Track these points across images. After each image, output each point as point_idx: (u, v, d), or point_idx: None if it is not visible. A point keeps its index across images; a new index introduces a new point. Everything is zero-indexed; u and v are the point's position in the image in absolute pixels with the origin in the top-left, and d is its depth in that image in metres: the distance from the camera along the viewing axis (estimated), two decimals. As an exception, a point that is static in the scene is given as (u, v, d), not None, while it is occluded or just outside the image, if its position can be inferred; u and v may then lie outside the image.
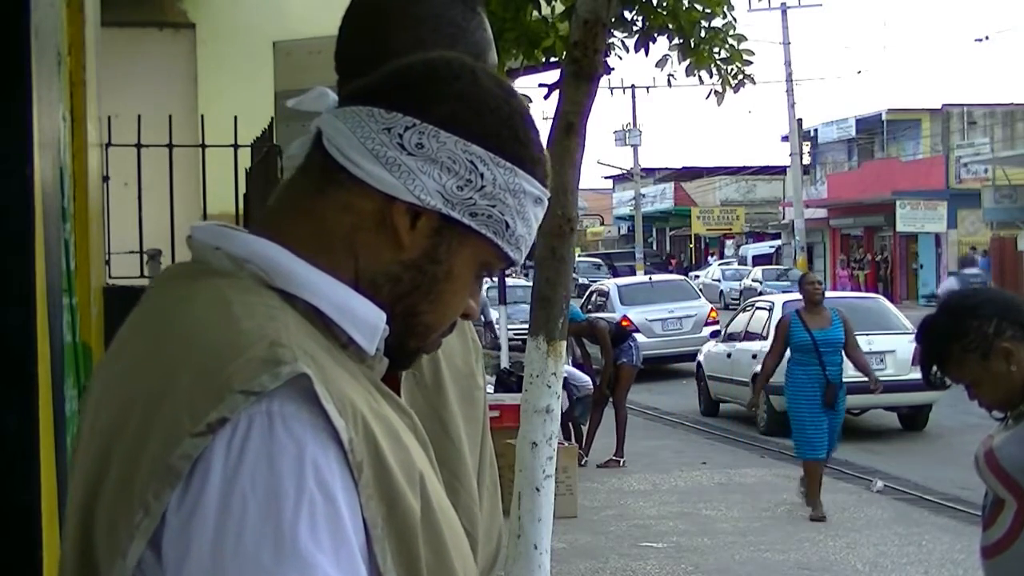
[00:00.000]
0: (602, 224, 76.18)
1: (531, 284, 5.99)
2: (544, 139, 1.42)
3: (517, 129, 1.34)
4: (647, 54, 7.39)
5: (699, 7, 7.43)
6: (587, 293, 25.81)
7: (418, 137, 1.29)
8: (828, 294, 23.42)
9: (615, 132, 56.24)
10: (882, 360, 16.12)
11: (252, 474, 1.15)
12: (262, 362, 1.17)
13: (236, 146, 5.53)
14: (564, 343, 5.24)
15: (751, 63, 7.95)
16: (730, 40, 7.75)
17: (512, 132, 1.33)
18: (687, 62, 7.70)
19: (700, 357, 19.15)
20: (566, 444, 11.52)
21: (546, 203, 1.38)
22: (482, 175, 1.31)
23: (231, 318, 1.21)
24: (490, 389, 11.67)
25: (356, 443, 1.20)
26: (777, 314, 17.26)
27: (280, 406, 1.17)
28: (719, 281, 45.42)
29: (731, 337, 18.36)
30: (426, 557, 1.25)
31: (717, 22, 7.68)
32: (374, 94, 1.32)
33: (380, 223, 1.30)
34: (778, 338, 11.45)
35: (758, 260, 48.87)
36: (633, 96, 52.89)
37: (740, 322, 18.54)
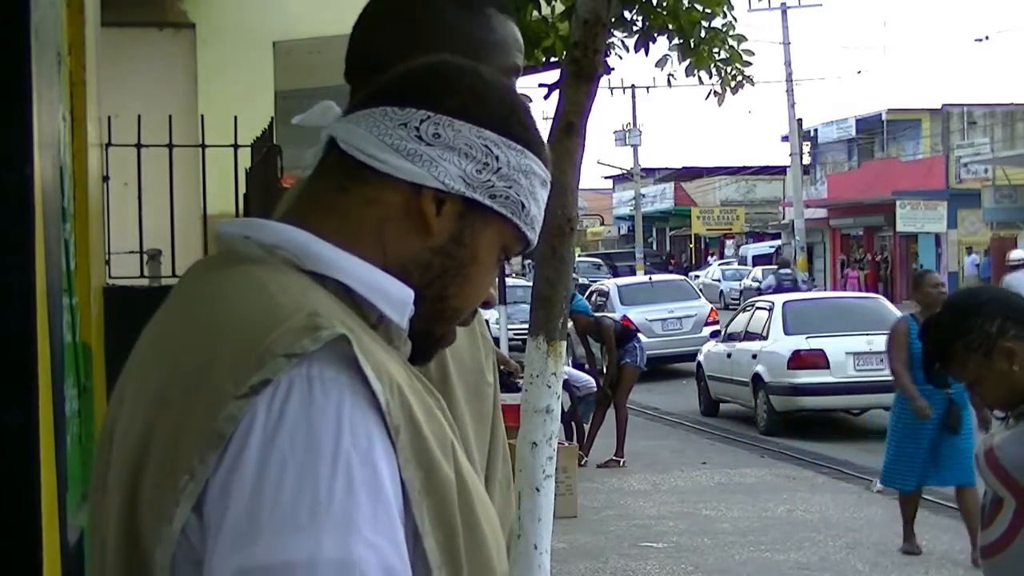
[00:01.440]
0: (602, 224, 76.16)
1: (531, 284, 5.99)
2: (544, 139, 1.47)
3: (521, 116, 1.41)
4: (647, 54, 7.39)
5: (699, 7, 7.43)
6: (587, 293, 25.80)
7: (434, 128, 1.35)
8: (827, 294, 23.46)
9: (615, 132, 56.29)
10: (882, 360, 16.09)
11: (291, 435, 1.18)
12: (302, 328, 1.22)
13: (236, 146, 5.52)
14: (564, 343, 5.23)
15: (751, 64, 7.96)
16: (730, 40, 7.75)
17: (517, 118, 1.41)
18: (687, 62, 7.70)
19: (700, 357, 19.16)
20: (566, 444, 11.53)
21: (549, 186, 1.44)
22: (497, 158, 1.37)
23: (267, 295, 1.26)
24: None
25: (393, 407, 1.24)
26: (777, 314, 17.32)
27: (320, 370, 1.21)
28: (719, 281, 45.42)
29: (731, 337, 18.36)
30: (460, 525, 1.28)
31: (717, 22, 7.69)
32: (383, 96, 1.38)
33: (406, 214, 1.35)
34: (899, 345, 9.56)
35: (758, 260, 48.85)
36: (633, 96, 52.95)
37: (740, 322, 18.54)
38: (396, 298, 1.33)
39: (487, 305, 1.45)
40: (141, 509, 1.24)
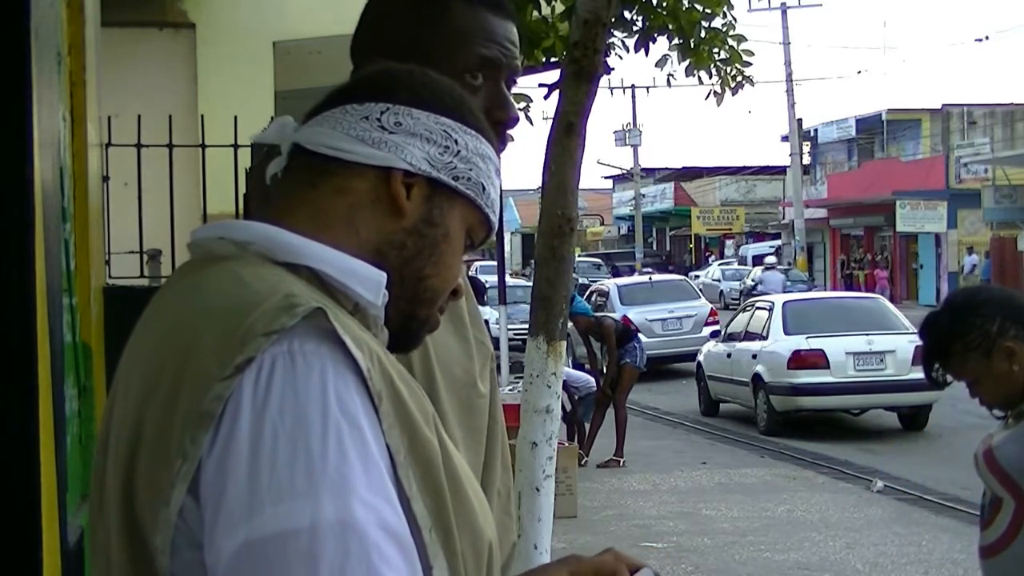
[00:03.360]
0: (602, 224, 76.11)
1: (531, 284, 5.99)
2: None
3: (471, 106, 1.50)
4: (647, 54, 7.40)
5: (699, 7, 7.44)
6: (587, 293, 25.79)
7: (394, 117, 1.42)
8: (828, 294, 23.41)
9: (615, 132, 56.35)
10: (882, 360, 16.14)
11: (280, 407, 1.23)
12: (279, 308, 1.26)
13: (236, 146, 5.52)
14: (564, 343, 5.23)
15: (750, 64, 7.96)
16: (730, 40, 7.76)
17: (468, 108, 1.48)
18: (687, 62, 7.71)
19: (700, 357, 19.16)
20: (566, 444, 11.53)
21: (501, 175, 1.51)
22: (456, 141, 1.44)
23: (243, 284, 1.30)
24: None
25: (374, 374, 1.28)
26: (777, 314, 17.32)
27: (300, 344, 1.25)
28: (719, 281, 45.38)
29: (731, 337, 18.37)
30: (447, 490, 1.31)
31: (717, 22, 7.69)
32: (340, 98, 1.45)
33: (375, 199, 1.41)
34: None
35: (758, 260, 48.82)
36: (633, 96, 52.99)
37: (740, 322, 18.55)
38: (368, 279, 1.37)
39: (456, 295, 1.49)
40: (138, 497, 1.27)
